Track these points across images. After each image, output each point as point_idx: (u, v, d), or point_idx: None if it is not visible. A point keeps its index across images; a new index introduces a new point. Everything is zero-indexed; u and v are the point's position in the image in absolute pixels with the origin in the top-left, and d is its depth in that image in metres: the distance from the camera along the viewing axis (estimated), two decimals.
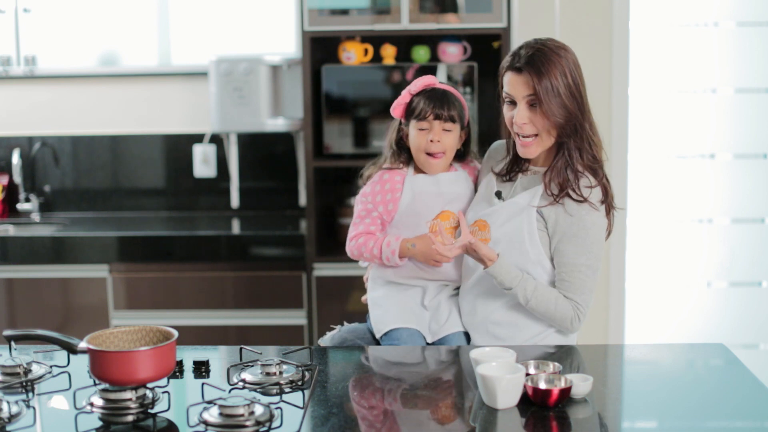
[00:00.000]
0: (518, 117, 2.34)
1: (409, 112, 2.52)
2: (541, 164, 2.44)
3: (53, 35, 4.18)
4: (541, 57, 2.31)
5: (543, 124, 2.33)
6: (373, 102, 3.76)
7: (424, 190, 2.54)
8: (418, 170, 2.57)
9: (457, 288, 2.56)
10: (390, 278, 2.57)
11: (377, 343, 2.54)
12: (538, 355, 2.25)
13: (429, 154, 2.50)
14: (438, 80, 2.56)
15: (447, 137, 2.50)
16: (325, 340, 2.63)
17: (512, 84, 2.35)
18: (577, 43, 4.01)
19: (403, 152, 2.58)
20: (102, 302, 3.81)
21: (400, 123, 2.57)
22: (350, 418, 1.93)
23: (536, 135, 2.35)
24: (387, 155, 2.62)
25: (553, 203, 2.34)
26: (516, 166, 2.47)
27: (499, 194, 2.45)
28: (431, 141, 2.48)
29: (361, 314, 2.80)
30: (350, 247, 2.57)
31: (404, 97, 2.54)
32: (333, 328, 2.67)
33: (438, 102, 2.48)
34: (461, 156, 2.60)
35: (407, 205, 2.53)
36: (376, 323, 2.55)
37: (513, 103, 2.37)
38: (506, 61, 2.38)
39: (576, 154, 2.35)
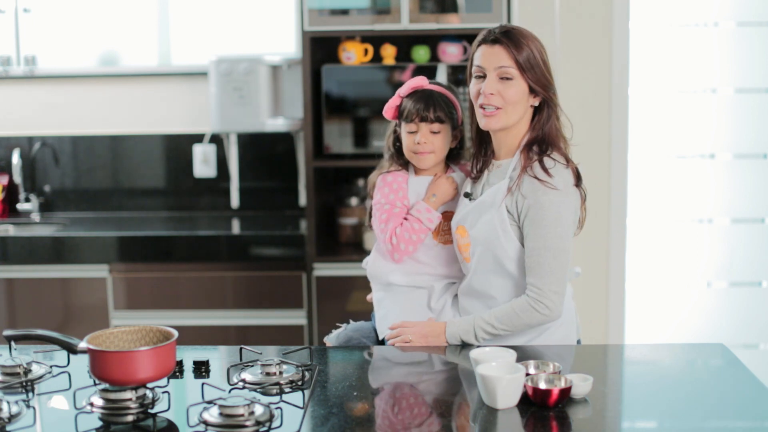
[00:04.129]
0: (487, 87, 2.35)
1: (400, 114, 2.55)
2: (503, 156, 2.43)
3: (53, 35, 4.18)
4: (516, 32, 2.37)
5: (512, 98, 2.35)
6: (373, 102, 3.76)
7: (425, 192, 2.56)
8: (418, 173, 2.59)
9: None
10: (391, 281, 2.57)
11: (382, 342, 2.55)
12: (538, 355, 2.25)
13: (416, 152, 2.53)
14: (428, 81, 2.57)
15: (435, 138, 2.51)
16: (331, 339, 2.63)
17: (485, 56, 2.37)
18: (577, 43, 4.04)
19: (401, 155, 2.60)
20: (102, 302, 3.81)
21: (396, 124, 2.60)
22: (350, 418, 1.93)
23: (499, 108, 2.36)
24: (386, 158, 2.65)
25: (512, 190, 2.33)
26: (483, 162, 2.48)
27: (468, 195, 2.46)
28: (418, 143, 2.50)
29: (361, 314, 2.81)
30: (394, 246, 2.51)
31: (394, 99, 2.57)
32: (339, 327, 2.67)
33: (423, 104, 2.50)
34: (456, 155, 2.60)
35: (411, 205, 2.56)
36: (380, 324, 2.56)
37: (481, 78, 2.38)
38: (479, 37, 2.41)
39: (552, 130, 2.37)
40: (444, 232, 2.55)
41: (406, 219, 2.53)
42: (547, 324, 2.37)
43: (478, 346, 2.31)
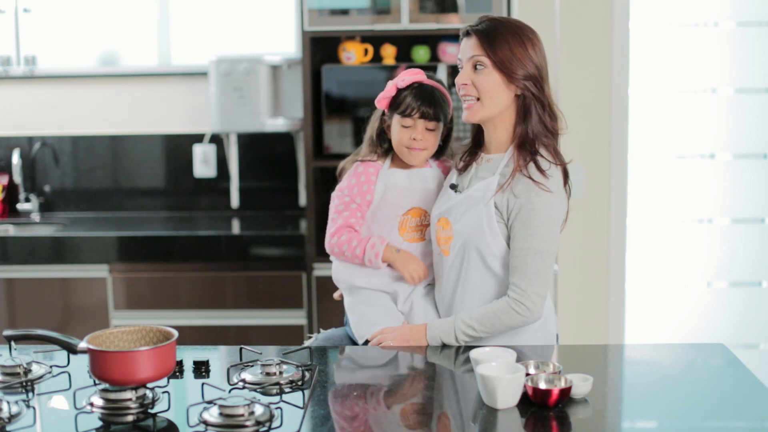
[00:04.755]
0: (460, 77, 2.36)
1: (395, 105, 2.51)
2: (493, 151, 2.42)
3: (53, 35, 4.18)
4: (493, 22, 2.36)
5: (485, 87, 2.33)
6: (373, 102, 3.75)
7: (397, 184, 2.53)
8: (394, 164, 2.56)
9: (429, 285, 2.54)
10: (354, 283, 2.55)
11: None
12: (538, 355, 2.24)
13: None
14: (425, 75, 2.54)
15: (430, 136, 2.49)
16: None
17: (462, 48, 2.39)
18: (577, 43, 4.04)
19: (382, 144, 2.57)
20: (102, 302, 3.81)
21: (383, 114, 2.56)
22: (350, 418, 1.93)
23: (478, 99, 2.35)
24: (363, 147, 2.61)
25: (503, 188, 2.31)
26: (472, 154, 2.46)
27: (454, 187, 2.44)
28: (413, 139, 2.48)
29: None
30: (331, 244, 2.55)
31: (390, 90, 2.52)
32: (310, 337, 2.66)
33: (425, 101, 2.47)
34: (439, 151, 2.58)
35: (379, 198, 2.53)
36: (356, 329, 2.52)
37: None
38: (461, 32, 2.42)
39: (533, 122, 2.34)
40: (411, 229, 2.53)
41: (357, 234, 2.51)
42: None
43: (477, 347, 2.31)
